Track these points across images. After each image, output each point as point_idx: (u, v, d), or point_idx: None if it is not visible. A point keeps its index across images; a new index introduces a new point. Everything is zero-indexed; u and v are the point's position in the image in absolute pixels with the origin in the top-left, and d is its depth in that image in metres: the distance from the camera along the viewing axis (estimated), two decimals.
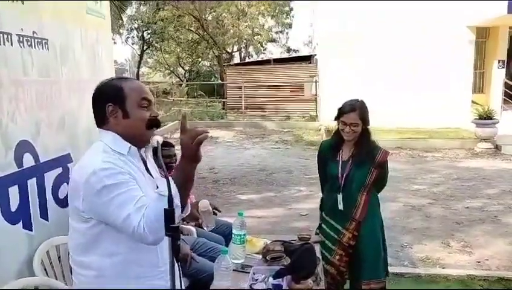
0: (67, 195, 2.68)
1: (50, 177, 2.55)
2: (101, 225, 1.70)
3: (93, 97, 1.85)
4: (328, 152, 2.95)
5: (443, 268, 4.18)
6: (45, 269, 2.32)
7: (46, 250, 2.37)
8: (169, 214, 1.40)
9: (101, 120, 1.80)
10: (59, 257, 2.45)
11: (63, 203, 2.65)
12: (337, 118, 2.83)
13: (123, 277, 1.74)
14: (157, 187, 1.79)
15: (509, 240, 4.87)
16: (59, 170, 2.64)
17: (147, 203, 1.63)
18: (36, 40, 2.46)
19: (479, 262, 4.32)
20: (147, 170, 1.86)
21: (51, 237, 2.46)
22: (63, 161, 2.69)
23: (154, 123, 1.78)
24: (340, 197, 2.85)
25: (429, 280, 3.91)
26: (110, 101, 1.76)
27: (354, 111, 2.75)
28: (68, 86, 2.80)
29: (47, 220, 2.50)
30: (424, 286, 3.82)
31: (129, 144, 1.77)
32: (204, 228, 2.82)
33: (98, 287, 1.74)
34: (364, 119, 2.77)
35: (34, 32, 2.44)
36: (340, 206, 2.85)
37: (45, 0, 2.56)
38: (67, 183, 2.70)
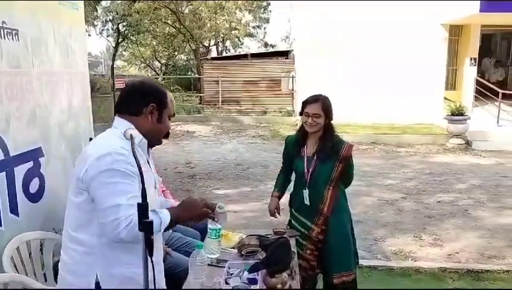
0: (38, 190, 2.65)
1: (20, 171, 2.49)
2: (93, 202, 1.77)
3: (137, 88, 1.97)
4: (293, 148, 2.99)
5: (415, 261, 4.27)
6: (15, 266, 2.26)
7: (16, 246, 2.32)
8: (142, 208, 1.39)
9: (135, 110, 1.91)
10: (30, 253, 2.40)
11: (34, 198, 2.59)
12: (301, 112, 2.89)
13: (110, 260, 1.82)
14: (156, 183, 2.02)
15: (479, 234, 5.01)
16: (30, 164, 2.58)
17: None
18: (5, 31, 2.39)
19: (449, 255, 4.43)
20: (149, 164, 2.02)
21: (21, 232, 2.40)
22: (34, 155, 2.63)
23: (168, 134, 2.06)
24: (306, 192, 2.88)
25: (401, 273, 3.99)
26: (155, 102, 1.91)
27: (317, 102, 2.81)
28: (40, 78, 2.73)
29: (17, 215, 2.44)
30: (396, 278, 3.90)
31: (141, 136, 1.89)
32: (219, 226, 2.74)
33: (86, 262, 1.82)
34: (327, 111, 2.82)
35: (3, 23, 2.37)
36: (307, 202, 2.89)
37: None
38: (39, 178, 2.66)
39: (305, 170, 2.87)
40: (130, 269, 1.84)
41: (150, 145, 2.00)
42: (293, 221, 3.02)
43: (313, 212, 2.88)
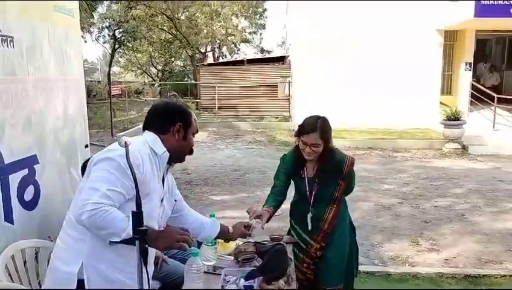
0: (33, 197, 2.63)
1: (15, 179, 2.47)
2: None
3: (165, 109, 2.12)
4: (291, 168, 2.81)
5: (412, 266, 4.26)
6: (10, 274, 2.24)
7: (11, 254, 2.29)
8: (136, 217, 1.38)
9: (161, 129, 2.05)
10: (25, 262, 2.38)
11: (29, 205, 2.58)
12: (297, 135, 2.69)
13: (97, 252, 1.86)
14: (162, 200, 2.05)
15: (476, 238, 5.01)
16: (25, 172, 2.57)
17: (117, 204, 1.78)
18: (1, 38, 2.38)
19: (446, 260, 4.43)
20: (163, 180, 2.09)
21: (16, 240, 2.38)
22: (29, 162, 2.62)
23: (192, 150, 2.18)
24: (309, 215, 2.75)
25: (399, 278, 3.98)
26: (181, 122, 2.06)
27: (315, 132, 2.59)
28: (35, 85, 2.72)
29: (12, 223, 2.42)
30: (394, 284, 3.89)
31: (165, 149, 2.02)
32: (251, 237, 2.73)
33: (76, 249, 1.88)
34: (326, 139, 2.63)
35: None
36: (309, 227, 2.76)
37: (11, 0, 2.49)
38: (34, 185, 2.64)
39: (308, 193, 2.74)
40: (114, 273, 1.88)
41: (173, 161, 2.11)
42: (292, 232, 2.92)
43: (313, 229, 2.77)
